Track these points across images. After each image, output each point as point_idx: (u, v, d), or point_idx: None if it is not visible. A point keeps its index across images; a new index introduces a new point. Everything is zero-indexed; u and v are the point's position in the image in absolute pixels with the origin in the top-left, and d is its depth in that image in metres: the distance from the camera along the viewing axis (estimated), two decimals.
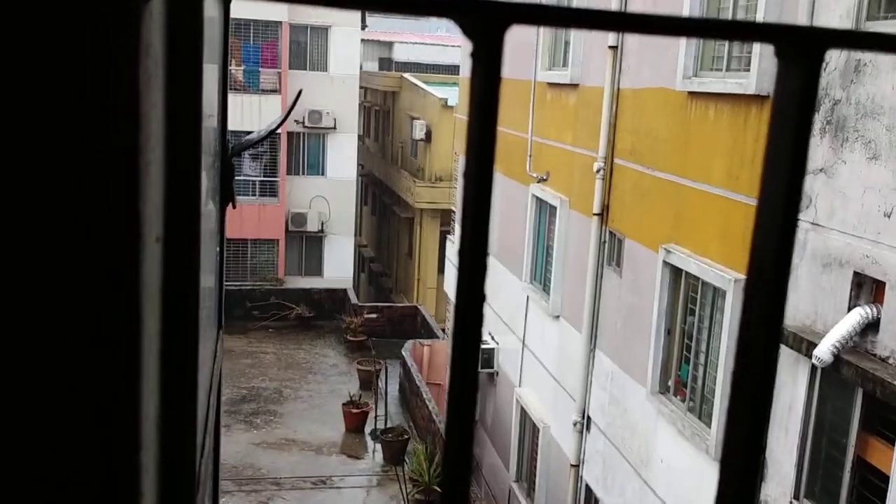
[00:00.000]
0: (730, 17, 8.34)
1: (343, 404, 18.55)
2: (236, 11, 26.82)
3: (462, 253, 0.42)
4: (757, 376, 0.47)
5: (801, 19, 7.01)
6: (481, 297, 0.42)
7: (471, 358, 0.42)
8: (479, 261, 0.41)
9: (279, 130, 26.09)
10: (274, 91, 26.22)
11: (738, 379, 0.48)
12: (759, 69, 7.55)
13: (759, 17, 7.58)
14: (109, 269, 0.54)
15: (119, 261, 0.55)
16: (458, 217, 18.33)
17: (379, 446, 17.53)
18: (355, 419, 18.32)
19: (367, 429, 18.40)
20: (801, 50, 0.44)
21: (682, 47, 8.85)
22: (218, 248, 1.94)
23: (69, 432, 0.57)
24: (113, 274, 0.55)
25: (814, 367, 6.73)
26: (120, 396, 0.58)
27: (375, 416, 18.28)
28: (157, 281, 0.73)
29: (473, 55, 0.39)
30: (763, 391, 0.47)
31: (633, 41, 10.24)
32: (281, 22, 26.14)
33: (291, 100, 26.32)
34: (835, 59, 6.67)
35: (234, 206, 1.99)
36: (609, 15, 0.43)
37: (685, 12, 8.79)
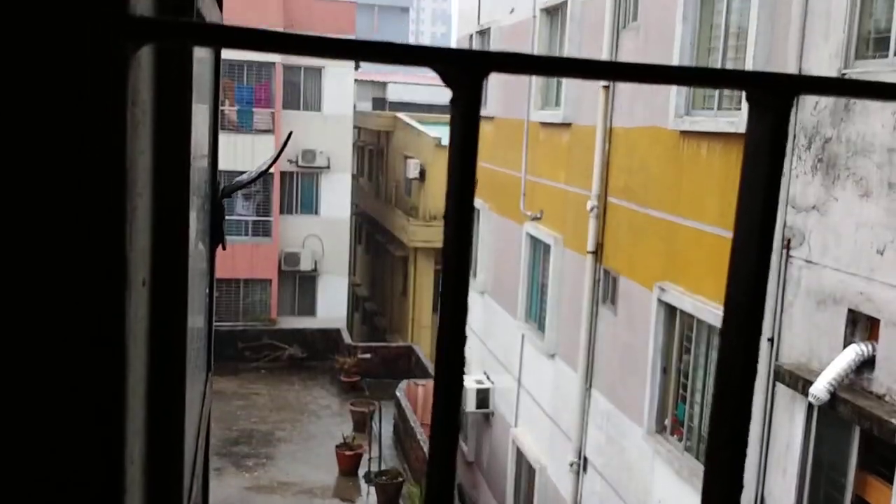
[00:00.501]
0: (720, 55, 8.43)
1: (336, 446, 18.36)
2: (229, 53, 27.16)
3: (444, 296, 0.41)
4: (736, 399, 0.48)
5: (791, 58, 7.09)
6: (462, 336, 0.41)
7: (453, 404, 0.42)
8: (459, 304, 0.40)
9: (272, 170, 26.17)
10: (268, 131, 26.36)
11: (719, 402, 0.48)
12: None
13: (749, 56, 7.66)
14: (94, 313, 0.54)
15: (104, 304, 0.54)
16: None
17: (373, 489, 17.31)
18: (349, 462, 18.11)
19: (361, 471, 18.18)
20: (771, 96, 0.45)
21: (674, 86, 8.94)
22: (207, 290, 1.92)
23: (51, 479, 0.56)
24: (98, 317, 0.54)
25: (810, 406, 6.69)
26: (103, 439, 0.57)
27: (369, 459, 18.08)
28: (145, 324, 0.72)
29: (452, 102, 0.39)
30: (742, 414, 0.47)
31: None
32: (274, 63, 26.38)
33: (285, 140, 26.47)
34: (824, 97, 6.73)
35: (223, 248, 1.98)
36: (582, 63, 0.43)
37: (675, 51, 8.89)
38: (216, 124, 2.03)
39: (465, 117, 0.40)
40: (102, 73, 0.51)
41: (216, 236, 1.90)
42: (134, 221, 0.61)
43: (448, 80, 0.40)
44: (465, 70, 0.40)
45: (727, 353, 0.48)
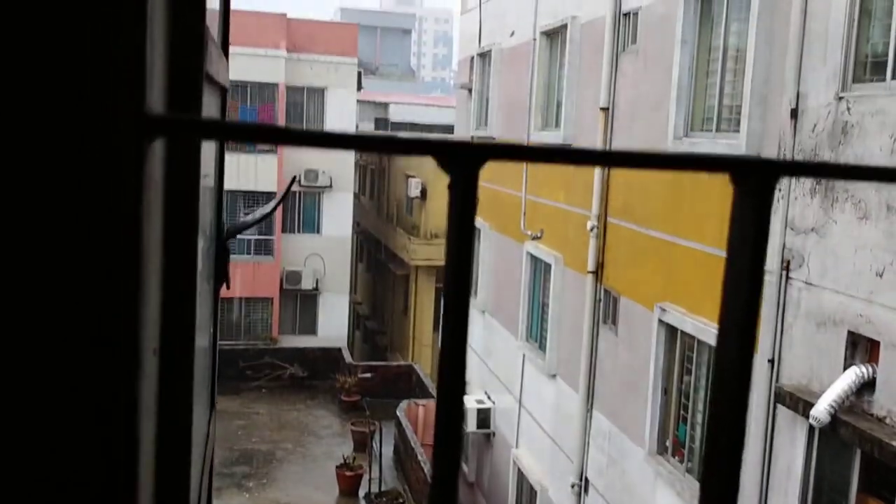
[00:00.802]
0: (718, 77, 8.48)
1: (337, 467, 18.29)
2: (233, 74, 27.17)
3: (441, 375, 0.43)
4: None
5: (789, 81, 7.14)
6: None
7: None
8: (458, 384, 0.42)
9: (274, 188, 26.25)
10: (270, 151, 26.46)
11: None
12: (748, 130, 7.66)
13: (748, 78, 7.71)
14: (107, 386, 0.56)
15: (117, 377, 0.56)
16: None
17: None
18: (349, 482, 18.04)
19: (362, 492, 18.10)
20: (754, 179, 0.48)
21: (673, 108, 8.99)
22: (212, 330, 1.94)
23: None
24: (110, 390, 0.56)
25: (811, 428, 6.69)
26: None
27: (370, 479, 18.00)
28: (154, 390, 0.75)
29: (450, 187, 0.42)
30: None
31: (624, 102, 10.40)
32: (278, 84, 26.52)
33: (287, 160, 26.57)
34: (822, 120, 6.77)
35: (227, 287, 2.00)
36: (576, 152, 0.46)
37: (674, 74, 8.95)
38: (222, 163, 2.06)
39: (463, 203, 0.43)
40: (119, 166, 0.54)
41: (220, 277, 1.92)
42: (145, 296, 0.64)
43: (446, 168, 0.43)
44: (463, 160, 0.42)
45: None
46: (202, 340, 1.62)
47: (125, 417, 0.57)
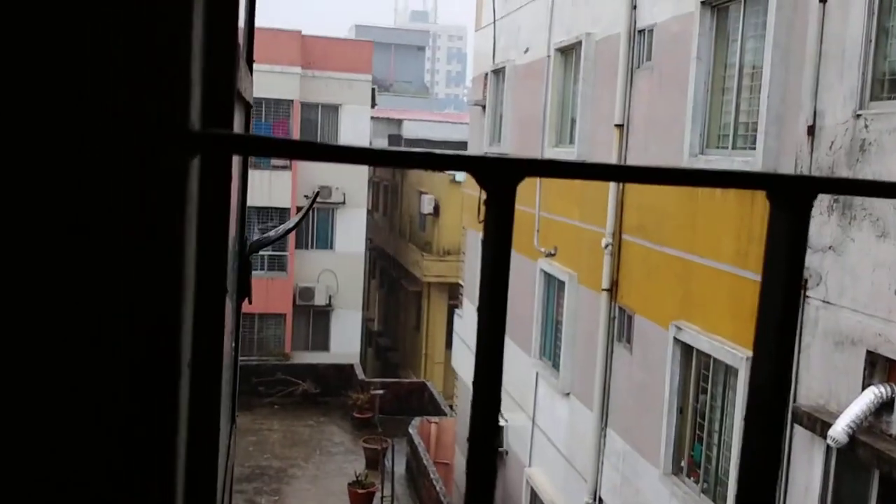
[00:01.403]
0: (734, 94, 8.46)
1: (349, 484, 18.23)
2: None
3: (476, 392, 0.42)
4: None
5: (805, 98, 7.10)
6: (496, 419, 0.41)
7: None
8: (492, 406, 0.41)
9: (288, 205, 26.35)
10: (285, 167, 26.59)
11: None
12: (764, 147, 7.62)
13: (764, 96, 7.68)
14: (152, 398, 0.57)
15: (163, 388, 0.58)
16: (465, 300, 18.08)
17: None
18: (361, 500, 17.96)
19: None
20: (791, 196, 0.47)
21: (688, 125, 8.97)
22: (234, 344, 1.94)
23: None
24: (155, 402, 0.57)
25: (829, 448, 6.60)
26: None
27: (382, 497, 17.92)
28: (186, 404, 0.75)
29: (487, 203, 0.41)
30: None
31: (639, 119, 10.38)
32: (292, 100, 26.68)
33: (302, 176, 26.68)
34: (839, 137, 6.73)
35: (250, 302, 2.00)
36: (610, 168, 0.45)
37: (690, 91, 8.93)
38: (245, 179, 2.06)
39: (499, 219, 0.42)
40: (164, 182, 0.55)
41: (243, 291, 1.92)
42: (184, 310, 0.64)
43: (484, 184, 0.43)
44: (501, 175, 0.43)
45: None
46: (225, 356, 1.61)
47: (167, 429, 0.57)
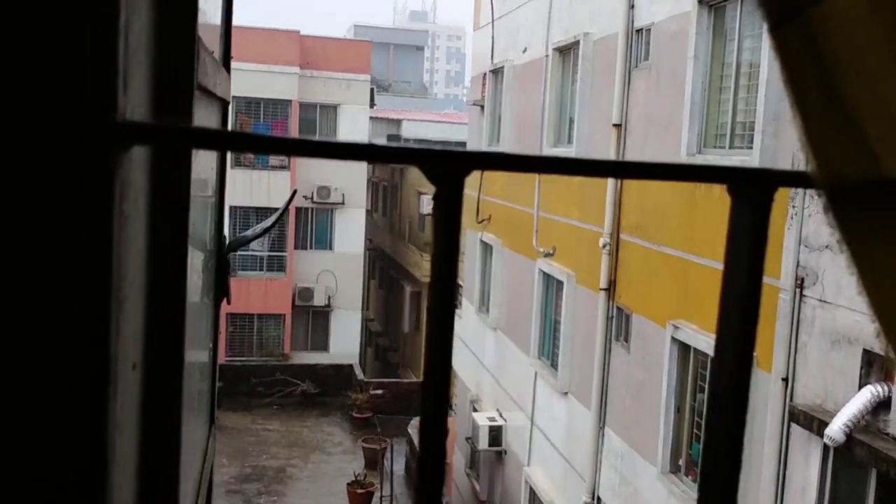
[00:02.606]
0: (731, 94, 8.46)
1: (348, 484, 18.23)
2: (247, 90, 27.17)
3: (424, 391, 0.42)
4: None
5: None
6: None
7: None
8: (440, 412, 0.41)
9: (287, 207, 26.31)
10: (283, 167, 26.59)
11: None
12: (762, 146, 7.63)
13: (761, 94, 7.69)
14: (77, 397, 0.56)
15: (87, 390, 0.56)
16: (464, 301, 18.10)
17: None
18: (360, 500, 17.97)
19: None
20: (752, 189, 0.47)
21: (686, 124, 8.97)
22: (211, 345, 1.93)
23: None
24: (80, 401, 0.56)
25: (826, 447, 6.61)
26: None
27: (381, 497, 17.93)
28: (135, 407, 0.74)
29: (435, 198, 0.41)
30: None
31: (636, 118, 10.39)
32: (291, 100, 26.68)
33: (300, 176, 26.69)
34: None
35: (228, 302, 1.99)
36: (561, 161, 0.45)
37: (687, 90, 8.93)
38: (223, 177, 2.06)
39: (447, 213, 0.42)
40: (88, 173, 0.53)
41: (220, 291, 1.91)
42: (122, 313, 0.63)
43: (432, 178, 0.42)
44: (448, 169, 0.42)
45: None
46: (200, 355, 1.60)
47: (94, 432, 0.56)
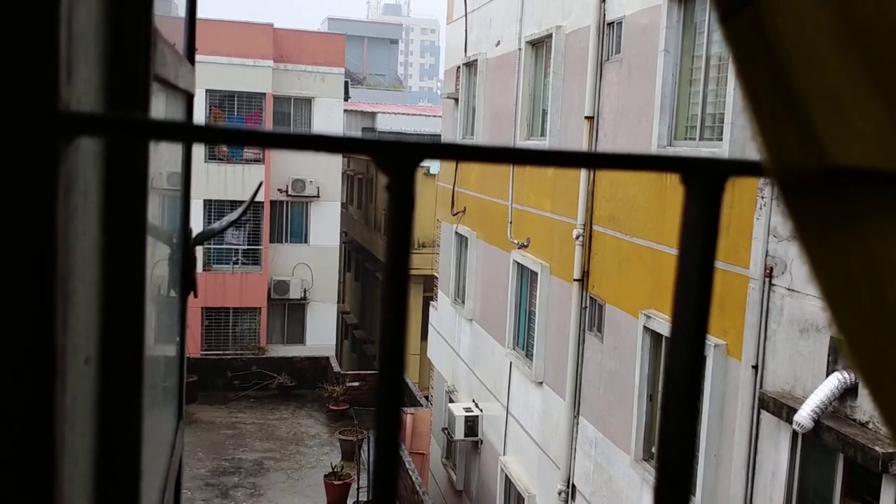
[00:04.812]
0: (701, 86, 8.56)
1: (325, 476, 18.23)
2: (221, 83, 26.88)
3: (380, 379, 0.45)
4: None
5: None
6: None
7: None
8: (394, 400, 0.44)
9: (262, 199, 26.21)
10: (257, 161, 26.43)
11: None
12: (731, 138, 7.73)
13: (730, 87, 7.78)
14: (23, 404, 0.55)
15: (32, 395, 0.55)
16: (440, 293, 18.04)
17: None
18: (337, 491, 17.98)
19: (350, 501, 18.05)
20: (704, 179, 0.48)
21: (657, 116, 9.06)
22: (178, 338, 1.94)
23: None
24: (22, 394, 0.55)
25: (795, 434, 6.73)
26: None
27: (358, 488, 17.96)
28: (89, 399, 0.74)
29: (388, 188, 0.43)
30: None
31: (609, 111, 10.46)
32: (265, 93, 26.51)
33: (275, 169, 26.54)
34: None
35: (195, 296, 2.01)
36: (511, 151, 0.46)
37: (658, 83, 9.02)
38: (189, 167, 2.07)
39: (399, 203, 0.43)
40: (29, 168, 0.52)
41: (187, 285, 1.92)
42: (71, 306, 0.62)
43: (383, 168, 0.43)
44: (399, 159, 0.43)
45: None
46: (165, 349, 1.61)
47: (39, 424, 0.55)
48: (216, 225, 3.11)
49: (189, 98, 1.89)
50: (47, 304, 0.54)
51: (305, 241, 27.96)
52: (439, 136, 24.68)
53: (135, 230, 0.86)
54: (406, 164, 0.43)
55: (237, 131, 0.43)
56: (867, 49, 0.41)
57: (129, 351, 0.86)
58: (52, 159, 0.52)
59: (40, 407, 0.55)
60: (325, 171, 27.58)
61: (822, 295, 0.47)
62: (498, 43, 14.50)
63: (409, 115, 39.09)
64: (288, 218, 27.86)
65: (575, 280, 10.99)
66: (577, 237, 10.89)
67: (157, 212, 1.12)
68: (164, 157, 1.42)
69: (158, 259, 1.32)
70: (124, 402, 0.85)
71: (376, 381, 0.46)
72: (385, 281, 0.44)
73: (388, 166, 0.43)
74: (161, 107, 1.33)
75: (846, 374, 6.29)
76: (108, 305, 0.80)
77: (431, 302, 19.80)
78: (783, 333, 7.04)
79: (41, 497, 0.56)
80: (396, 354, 0.45)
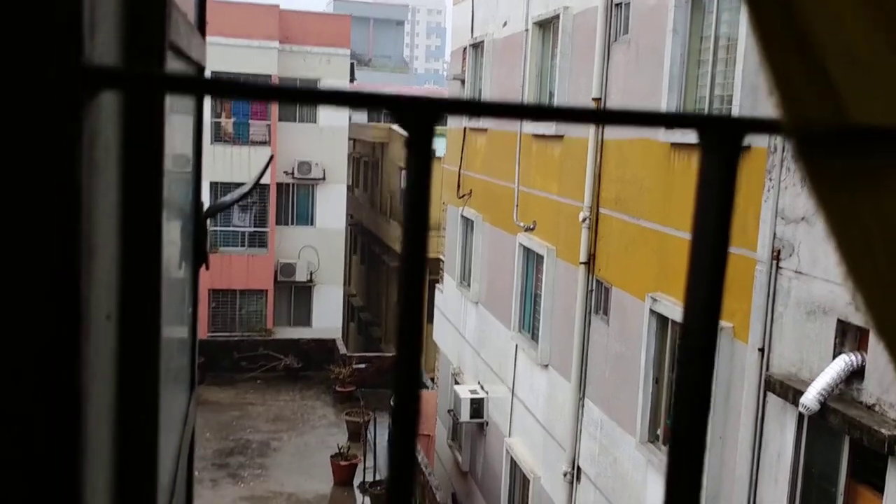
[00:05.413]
0: (710, 67, 8.50)
1: (331, 456, 18.34)
2: (226, 65, 26.88)
3: (399, 333, 0.44)
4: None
5: None
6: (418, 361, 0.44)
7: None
8: (413, 346, 0.44)
9: (268, 181, 26.21)
10: (263, 143, 26.42)
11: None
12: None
13: (738, 68, 7.73)
14: (49, 347, 0.56)
15: (58, 340, 0.56)
16: (445, 276, 18.08)
17: (368, 499, 17.29)
18: (344, 472, 18.09)
19: (356, 481, 18.16)
20: (721, 137, 0.47)
21: (664, 97, 9.01)
22: (191, 309, 1.95)
23: None
24: (52, 352, 0.56)
25: (801, 416, 6.73)
26: (59, 472, 0.57)
27: (364, 469, 18.06)
28: (109, 357, 0.74)
29: (407, 144, 0.43)
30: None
31: (616, 92, 10.41)
32: (270, 75, 26.45)
33: (281, 151, 26.52)
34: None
35: (206, 268, 2.02)
36: (529, 108, 0.46)
37: (666, 64, 8.96)
38: (200, 145, 2.07)
39: (419, 159, 0.43)
40: (54, 120, 0.53)
41: (199, 256, 1.93)
42: (94, 261, 0.63)
43: (402, 124, 0.43)
44: (418, 115, 0.43)
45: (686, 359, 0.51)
46: (179, 320, 1.62)
47: (66, 373, 0.56)
48: (227, 197, 3.13)
49: (200, 70, 1.88)
50: (73, 255, 0.55)
51: (311, 224, 27.98)
52: (446, 118, 24.57)
53: (152, 188, 0.86)
54: (426, 119, 0.42)
55: (253, 86, 0.43)
56: (884, 2, 0.41)
57: (147, 309, 0.86)
58: (78, 111, 0.53)
59: (66, 350, 0.56)
60: (331, 154, 27.56)
61: (837, 250, 0.47)
62: (505, 24, 14.42)
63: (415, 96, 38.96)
64: (294, 200, 27.88)
65: (581, 263, 10.98)
66: (584, 220, 10.87)
67: (169, 181, 1.12)
68: (174, 128, 1.42)
69: (172, 229, 1.32)
70: (142, 359, 0.86)
71: (395, 335, 0.46)
72: (404, 237, 0.44)
73: (409, 122, 0.42)
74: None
75: (853, 357, 6.28)
76: (127, 263, 0.80)
77: (437, 285, 19.82)
78: (790, 316, 7.02)
79: (67, 435, 0.57)
80: (415, 314, 0.44)
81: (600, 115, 0.50)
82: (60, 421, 0.57)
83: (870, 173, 0.44)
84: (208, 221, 2.17)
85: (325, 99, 0.42)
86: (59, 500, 0.58)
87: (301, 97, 0.42)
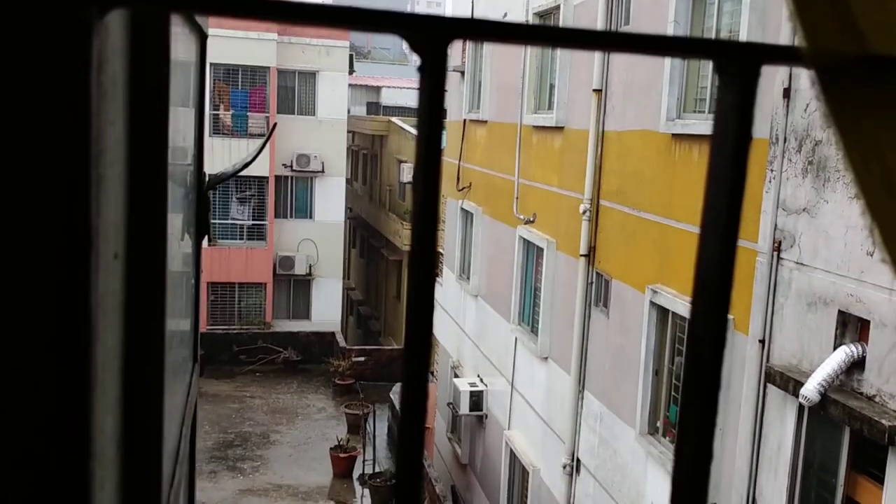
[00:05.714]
0: (710, 65, 8.46)
1: (331, 449, 18.36)
2: (225, 57, 26.82)
3: (411, 265, 0.43)
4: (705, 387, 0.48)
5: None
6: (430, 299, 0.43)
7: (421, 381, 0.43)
8: (427, 271, 0.42)
9: (267, 174, 26.17)
10: (262, 135, 26.35)
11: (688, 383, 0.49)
12: None
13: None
14: (59, 281, 0.55)
15: (68, 273, 0.55)
16: (444, 269, 18.09)
17: (367, 491, 17.30)
18: (343, 464, 18.11)
19: (356, 473, 18.18)
20: (739, 65, 0.46)
21: (665, 89, 8.98)
22: (194, 281, 1.94)
23: (13, 444, 0.56)
24: (62, 285, 0.55)
25: (801, 407, 6.73)
26: (69, 407, 0.57)
27: (364, 461, 18.08)
28: (118, 296, 0.73)
29: (420, 69, 0.41)
30: (711, 401, 0.48)
31: (617, 83, 10.38)
32: (269, 67, 26.39)
33: (279, 144, 26.47)
34: (815, 100, 6.77)
35: (210, 241, 2.00)
36: (545, 29, 0.44)
37: (666, 69, 8.92)
38: (202, 119, 2.05)
39: (431, 83, 0.41)
40: (63, 38, 0.52)
41: (202, 227, 1.92)
42: (102, 191, 0.62)
43: (414, 47, 0.41)
44: (432, 35, 0.41)
45: (696, 333, 0.49)
46: (183, 288, 1.60)
47: (74, 304, 0.56)
48: (228, 168, 3.12)
49: (203, 38, 1.87)
50: (82, 175, 0.54)
51: (310, 217, 27.96)
52: (445, 109, 24.57)
53: (158, 120, 0.85)
54: (440, 40, 0.40)
55: (258, 2, 0.41)
56: None
57: (152, 250, 0.85)
58: (87, 30, 0.52)
59: (76, 278, 0.55)
60: (330, 147, 27.52)
61: (855, 181, 0.47)
62: (505, 14, 14.37)
63: (414, 89, 38.87)
64: (292, 193, 27.85)
65: (581, 255, 10.96)
66: (584, 212, 10.85)
67: (172, 146, 1.11)
68: (178, 125, 1.40)
69: (176, 197, 1.30)
70: (149, 298, 0.85)
71: (402, 353, 0.44)
72: (416, 168, 0.42)
73: (421, 43, 0.40)
74: (180, 44, 1.30)
75: (853, 348, 6.28)
76: (133, 200, 0.79)
77: (437, 279, 19.80)
78: (791, 307, 7.01)
79: (77, 371, 0.57)
80: (428, 257, 0.42)
81: (620, 40, 0.48)
82: (71, 355, 0.56)
83: (889, 102, 0.44)
84: (210, 194, 2.16)
85: (332, 19, 0.41)
86: (70, 435, 0.57)
87: (309, 16, 0.40)
